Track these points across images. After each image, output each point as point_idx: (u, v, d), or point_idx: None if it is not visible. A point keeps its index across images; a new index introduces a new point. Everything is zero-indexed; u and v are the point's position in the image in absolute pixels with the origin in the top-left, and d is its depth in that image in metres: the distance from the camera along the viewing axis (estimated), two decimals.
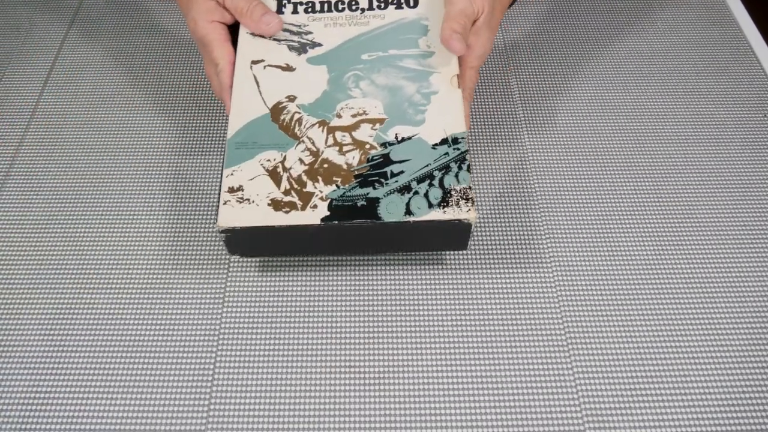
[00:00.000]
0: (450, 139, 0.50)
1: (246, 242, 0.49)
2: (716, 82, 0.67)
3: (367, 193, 0.48)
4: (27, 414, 0.47)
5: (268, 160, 0.50)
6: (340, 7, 0.58)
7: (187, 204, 0.59)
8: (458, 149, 0.50)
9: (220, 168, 0.58)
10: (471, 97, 0.55)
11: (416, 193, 0.48)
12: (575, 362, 0.50)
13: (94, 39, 0.71)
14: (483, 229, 0.57)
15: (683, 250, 0.55)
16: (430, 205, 0.47)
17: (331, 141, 0.51)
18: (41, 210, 0.58)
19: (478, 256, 0.55)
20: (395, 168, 0.49)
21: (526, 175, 0.61)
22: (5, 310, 0.52)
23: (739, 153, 0.62)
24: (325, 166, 0.49)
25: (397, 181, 0.49)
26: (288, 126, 0.51)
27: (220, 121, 0.64)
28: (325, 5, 0.58)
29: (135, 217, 0.57)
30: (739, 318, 0.52)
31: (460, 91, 0.53)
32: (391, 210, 0.47)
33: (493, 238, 0.56)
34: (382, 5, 0.58)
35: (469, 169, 0.49)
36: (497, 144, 0.63)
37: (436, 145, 0.50)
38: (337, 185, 0.48)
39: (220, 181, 0.49)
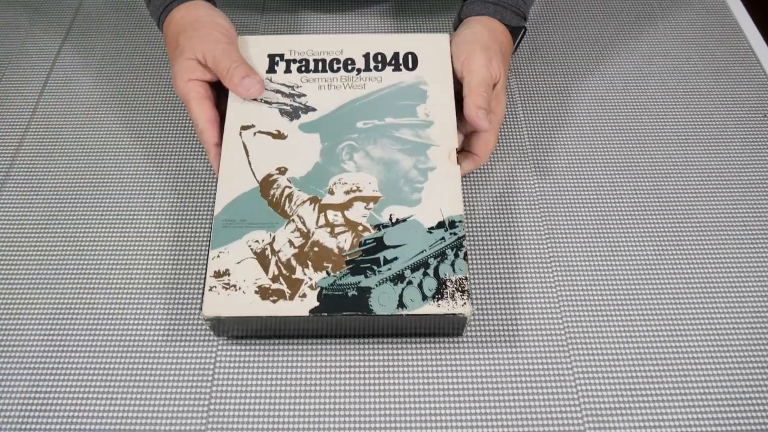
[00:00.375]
0: (447, 223, 0.48)
1: (232, 328, 0.48)
2: (716, 82, 0.67)
3: (359, 282, 0.46)
4: (27, 414, 0.47)
5: (257, 242, 0.47)
6: (335, 66, 0.55)
7: (187, 203, 0.58)
8: (455, 234, 0.47)
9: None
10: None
11: (410, 283, 0.46)
12: (575, 362, 0.50)
13: (94, 39, 0.71)
14: (483, 230, 0.56)
15: (683, 250, 0.55)
16: (424, 297, 0.45)
17: (322, 221, 0.48)
18: (41, 210, 0.57)
19: (477, 256, 0.55)
20: (389, 254, 0.47)
21: (526, 175, 0.60)
22: (5, 310, 0.52)
23: (739, 153, 0.61)
24: (316, 249, 0.47)
25: (390, 269, 0.46)
26: (278, 202, 0.49)
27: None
28: (320, 64, 0.55)
29: (135, 216, 0.57)
30: (739, 318, 0.52)
31: (458, 167, 0.50)
32: (383, 302, 0.45)
33: (492, 238, 0.56)
34: (380, 66, 0.55)
35: (465, 257, 0.47)
36: (497, 144, 0.62)
37: (432, 228, 0.48)
38: (327, 272, 0.46)
39: (206, 264, 0.47)
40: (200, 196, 0.58)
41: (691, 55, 0.69)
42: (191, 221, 0.56)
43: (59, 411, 0.47)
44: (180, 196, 0.58)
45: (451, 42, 0.57)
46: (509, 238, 0.55)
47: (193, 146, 0.61)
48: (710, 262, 0.54)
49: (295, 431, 0.46)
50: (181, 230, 0.56)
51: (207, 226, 0.56)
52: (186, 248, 0.55)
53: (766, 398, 0.47)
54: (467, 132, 0.55)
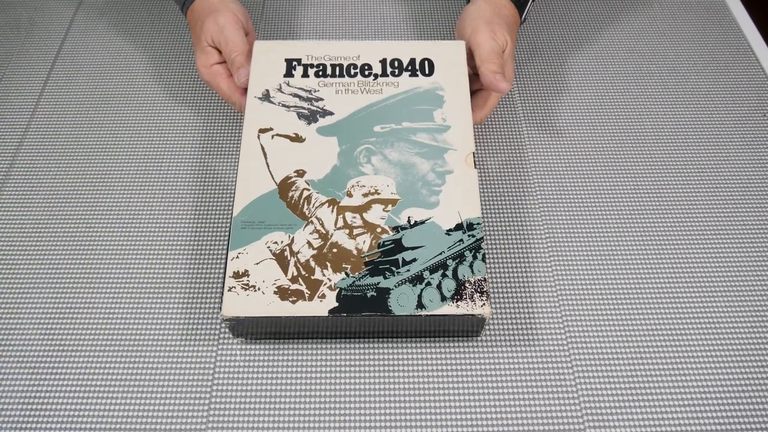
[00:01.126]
0: (465, 225, 0.48)
1: (251, 328, 0.47)
2: (716, 81, 0.67)
3: (378, 283, 0.46)
4: (27, 414, 0.47)
5: (275, 243, 0.47)
6: (353, 71, 0.56)
7: (186, 202, 0.57)
8: (473, 236, 0.48)
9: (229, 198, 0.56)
10: (484, 120, 0.58)
11: (429, 284, 0.46)
12: (575, 362, 0.49)
13: (93, 39, 0.71)
14: (484, 230, 0.57)
15: (683, 249, 0.55)
16: (443, 298, 0.45)
17: (341, 223, 0.48)
18: (41, 210, 0.57)
19: None
20: (407, 255, 0.47)
21: (526, 175, 0.60)
22: (5, 309, 0.52)
23: (739, 153, 0.61)
24: (335, 250, 0.47)
25: (408, 270, 0.46)
26: (296, 204, 0.49)
27: (221, 121, 0.63)
28: (337, 69, 0.56)
29: (135, 216, 0.57)
30: (739, 317, 0.51)
31: (475, 171, 0.50)
32: (402, 302, 0.45)
33: (493, 238, 0.56)
34: (396, 72, 0.56)
35: (484, 259, 0.47)
36: (497, 144, 0.61)
37: (450, 230, 0.48)
38: (346, 273, 0.46)
39: (225, 264, 0.47)
40: (198, 194, 0.58)
41: (691, 54, 0.69)
42: (191, 220, 0.56)
43: (59, 411, 0.47)
44: (179, 194, 0.58)
45: (458, 20, 0.60)
46: (509, 237, 0.55)
47: (194, 146, 0.61)
48: (710, 261, 0.54)
49: (302, 431, 0.46)
50: (181, 229, 0.56)
51: (207, 223, 0.56)
52: (186, 246, 0.55)
53: (766, 397, 0.48)
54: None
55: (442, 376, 0.48)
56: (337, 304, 0.45)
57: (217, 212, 0.57)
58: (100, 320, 0.51)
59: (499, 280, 0.53)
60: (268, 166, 0.51)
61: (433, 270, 0.46)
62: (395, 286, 0.46)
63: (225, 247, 0.55)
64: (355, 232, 0.48)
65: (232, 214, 0.49)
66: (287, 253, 0.47)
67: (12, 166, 0.60)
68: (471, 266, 0.47)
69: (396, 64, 0.56)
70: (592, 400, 0.47)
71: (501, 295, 0.52)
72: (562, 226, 0.56)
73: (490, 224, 0.56)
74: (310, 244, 0.47)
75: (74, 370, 0.49)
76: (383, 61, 0.56)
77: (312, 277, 0.46)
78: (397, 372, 0.48)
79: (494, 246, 0.55)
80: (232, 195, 0.57)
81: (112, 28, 0.71)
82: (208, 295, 0.52)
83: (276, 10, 0.73)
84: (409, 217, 0.48)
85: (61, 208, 0.57)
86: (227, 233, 0.55)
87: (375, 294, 0.45)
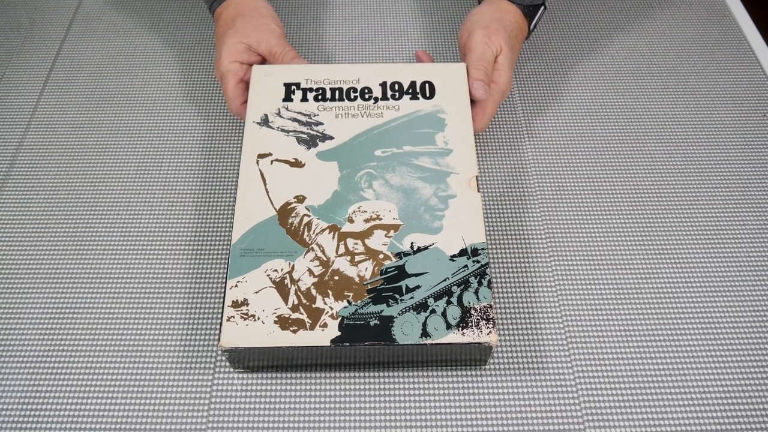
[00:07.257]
0: (469, 250, 0.47)
1: (251, 360, 0.46)
2: (716, 82, 0.66)
3: (381, 311, 0.44)
4: (27, 414, 0.46)
5: (275, 270, 0.46)
6: (353, 95, 0.54)
7: (186, 203, 0.57)
8: (478, 262, 0.46)
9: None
10: (484, 128, 0.58)
11: (433, 311, 0.44)
12: (575, 362, 0.49)
13: (93, 39, 0.70)
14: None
15: (683, 249, 0.55)
16: (448, 326, 0.44)
17: (342, 249, 0.47)
18: (41, 210, 0.57)
19: None
20: (411, 282, 0.45)
21: (525, 175, 0.59)
22: (5, 309, 0.51)
23: (739, 153, 0.61)
24: (336, 278, 0.45)
25: (412, 297, 0.45)
26: (296, 231, 0.47)
27: (222, 121, 0.63)
28: (336, 93, 0.55)
29: (135, 216, 0.56)
30: (739, 317, 0.51)
31: (479, 195, 0.49)
32: (406, 331, 0.44)
33: (492, 238, 0.55)
34: (397, 95, 0.54)
35: (489, 285, 0.45)
36: (497, 144, 0.61)
37: (454, 256, 0.46)
38: (348, 301, 0.45)
39: (224, 294, 0.46)
40: (197, 193, 0.58)
41: (691, 54, 0.68)
42: (192, 220, 0.56)
43: (59, 411, 0.46)
44: (179, 194, 0.58)
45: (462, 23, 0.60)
46: (508, 237, 0.55)
47: (193, 146, 0.61)
48: (710, 261, 0.54)
49: None
50: (181, 229, 0.56)
51: (207, 223, 0.56)
52: (187, 246, 0.55)
53: (766, 397, 0.48)
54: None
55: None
56: (339, 333, 0.44)
57: (219, 212, 0.56)
58: (100, 320, 0.51)
59: (497, 280, 0.53)
60: (267, 192, 0.49)
61: (437, 297, 0.45)
62: (399, 314, 0.44)
63: (226, 247, 0.55)
64: (357, 258, 0.46)
65: (231, 241, 0.47)
66: (287, 281, 0.46)
67: (12, 166, 0.60)
68: (476, 293, 0.45)
69: (396, 87, 0.55)
70: (592, 400, 0.47)
71: (500, 296, 0.52)
72: (562, 227, 0.56)
73: (490, 225, 0.56)
74: (310, 271, 0.46)
75: (74, 370, 0.48)
76: (383, 85, 0.55)
77: (313, 306, 0.45)
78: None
79: (492, 247, 0.55)
80: (234, 195, 0.57)
81: (112, 28, 0.71)
82: (209, 297, 0.52)
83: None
84: (412, 243, 0.47)
85: (61, 208, 0.57)
86: (229, 235, 0.55)
87: (378, 322, 0.44)
